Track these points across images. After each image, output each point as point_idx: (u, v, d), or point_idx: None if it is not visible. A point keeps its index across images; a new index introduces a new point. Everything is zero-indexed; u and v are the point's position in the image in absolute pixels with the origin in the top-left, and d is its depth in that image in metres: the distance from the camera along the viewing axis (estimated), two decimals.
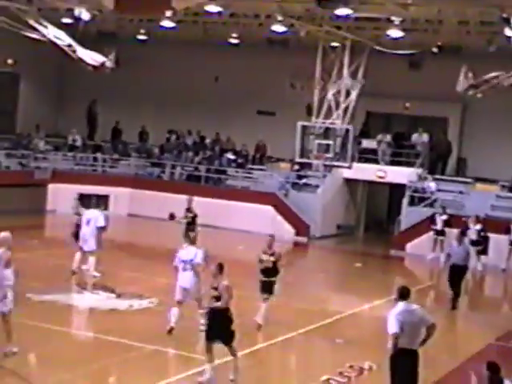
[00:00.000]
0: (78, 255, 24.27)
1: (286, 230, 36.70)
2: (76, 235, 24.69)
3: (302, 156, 37.81)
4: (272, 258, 19.93)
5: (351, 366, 16.89)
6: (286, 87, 39.04)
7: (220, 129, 43.56)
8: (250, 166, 41.07)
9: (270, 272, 19.91)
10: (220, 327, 15.22)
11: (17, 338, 17.36)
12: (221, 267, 15.61)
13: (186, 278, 18.47)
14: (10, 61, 43.38)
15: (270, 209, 37.17)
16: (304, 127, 37.41)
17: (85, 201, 38.14)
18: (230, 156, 41.92)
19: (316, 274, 32.58)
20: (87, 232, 24.04)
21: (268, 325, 20.46)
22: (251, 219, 36.73)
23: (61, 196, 38.97)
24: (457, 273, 23.43)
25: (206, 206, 36.56)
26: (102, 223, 24.53)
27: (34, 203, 38.16)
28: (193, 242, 19.38)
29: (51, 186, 39.85)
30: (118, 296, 23.01)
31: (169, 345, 18.34)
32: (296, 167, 38.79)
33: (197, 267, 18.41)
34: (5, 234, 16.22)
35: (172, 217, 20.05)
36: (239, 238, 35.78)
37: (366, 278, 30.01)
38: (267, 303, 19.94)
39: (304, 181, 38.29)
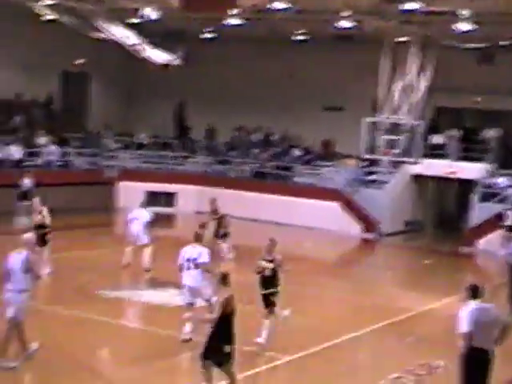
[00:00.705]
0: (129, 250, 24.96)
1: (353, 227, 36.69)
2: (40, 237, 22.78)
3: (369, 152, 37.72)
4: (271, 265, 18.13)
5: (422, 365, 16.83)
6: (354, 83, 39.12)
7: (287, 125, 43.67)
8: (316, 162, 41.08)
9: (269, 282, 18.22)
10: (214, 347, 13.76)
11: (88, 334, 18.32)
12: (225, 277, 15.00)
13: (190, 277, 18.03)
14: (80, 61, 43.88)
15: (336, 205, 37.12)
16: (371, 123, 37.35)
17: (152, 198, 38.93)
18: (297, 152, 42.10)
19: (384, 271, 32.59)
20: (137, 229, 24.77)
21: (335, 323, 20.73)
22: (318, 216, 36.74)
23: (129, 194, 39.21)
24: None
25: (272, 203, 38.04)
26: (147, 218, 25.14)
27: (103, 201, 38.80)
28: (199, 240, 18.88)
29: (120, 184, 40.55)
30: None
31: (243, 340, 16.86)
32: (364, 163, 38.75)
33: (202, 267, 18.01)
34: (28, 235, 16.07)
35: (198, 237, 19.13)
36: (306, 234, 35.95)
37: (435, 276, 29.79)
38: (271, 320, 17.85)
39: (371, 177, 38.24)
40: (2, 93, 41.71)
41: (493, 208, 33.78)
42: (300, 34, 39.56)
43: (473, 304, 12.81)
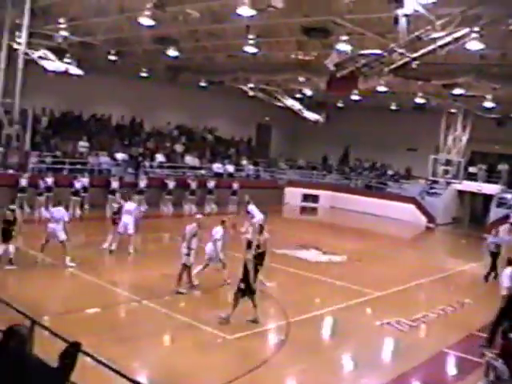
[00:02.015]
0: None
1: (422, 220, 36.82)
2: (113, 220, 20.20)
3: (432, 176, 38.14)
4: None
5: (457, 302, 17.15)
6: (424, 135, 39.31)
7: (385, 158, 44.18)
8: (401, 180, 41.33)
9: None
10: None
11: (268, 275, 18.02)
12: (249, 244, 14.37)
13: (208, 246, 16.36)
14: (267, 118, 45.52)
15: (412, 206, 37.39)
16: (434, 159, 37.78)
17: (305, 197, 39.78)
18: (390, 173, 42.67)
19: (438, 245, 32.87)
20: (260, 217, 21.78)
21: (406, 274, 20.70)
22: (401, 212, 37.05)
23: (292, 195, 40.84)
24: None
25: (374, 204, 38.34)
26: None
27: (277, 198, 39.70)
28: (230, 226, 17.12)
29: (287, 189, 41.30)
30: (324, 253, 23.45)
31: (346, 280, 18.43)
32: (429, 182, 38.80)
33: (213, 240, 16.14)
34: (199, 216, 16.48)
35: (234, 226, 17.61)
36: (393, 223, 36.06)
37: (467, 250, 29.76)
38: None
39: (433, 190, 38.20)
40: (224, 135, 44.02)
41: (503, 212, 33.71)
42: (393, 105, 39.92)
43: (509, 269, 13.09)
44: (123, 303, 14.46)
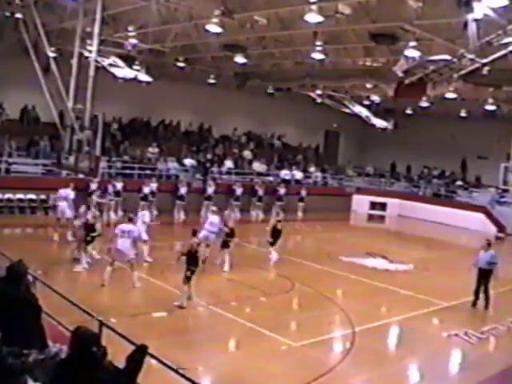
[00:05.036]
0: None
1: (491, 229, 35.66)
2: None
3: (504, 184, 37.15)
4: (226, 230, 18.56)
5: None
6: (495, 142, 38.55)
7: (454, 166, 43.48)
8: (471, 189, 40.45)
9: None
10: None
11: (330, 280, 19.15)
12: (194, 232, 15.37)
13: (122, 243, 15.43)
14: (335, 125, 45.09)
15: (481, 215, 36.57)
16: (505, 167, 36.80)
17: (373, 205, 39.50)
18: (459, 183, 41.75)
19: (508, 255, 30.81)
20: None
21: (473, 285, 19.37)
22: (470, 221, 36.25)
23: (359, 203, 40.59)
24: None
25: (442, 212, 37.60)
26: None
27: (344, 206, 39.55)
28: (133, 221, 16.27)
29: (355, 197, 41.04)
30: (391, 261, 23.30)
31: (413, 290, 18.17)
32: (499, 191, 37.44)
33: (136, 238, 15.75)
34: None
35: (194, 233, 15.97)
36: (462, 232, 35.38)
37: None
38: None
39: (503, 199, 37.10)
40: (292, 142, 44.26)
41: None
42: (463, 112, 39.20)
43: None
44: (189, 308, 14.53)
